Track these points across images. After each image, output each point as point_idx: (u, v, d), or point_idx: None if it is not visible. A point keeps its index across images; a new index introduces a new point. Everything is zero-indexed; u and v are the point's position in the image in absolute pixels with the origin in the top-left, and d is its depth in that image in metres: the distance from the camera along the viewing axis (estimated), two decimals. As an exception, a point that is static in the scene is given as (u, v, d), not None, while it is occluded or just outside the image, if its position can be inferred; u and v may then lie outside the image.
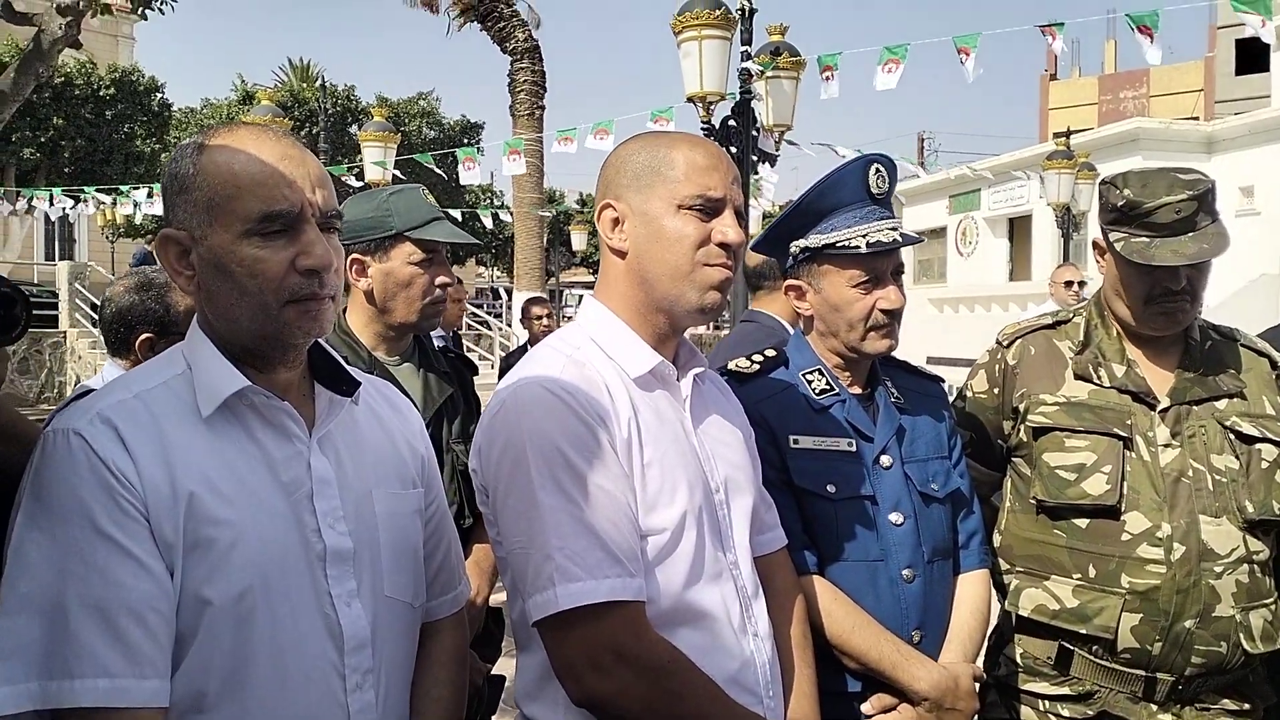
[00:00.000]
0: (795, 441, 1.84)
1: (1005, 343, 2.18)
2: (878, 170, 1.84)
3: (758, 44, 8.51)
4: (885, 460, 1.87)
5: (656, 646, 1.34)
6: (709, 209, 1.45)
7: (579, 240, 26.27)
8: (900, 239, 1.82)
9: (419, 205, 2.18)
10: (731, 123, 8.14)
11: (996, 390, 2.15)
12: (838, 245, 1.83)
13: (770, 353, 1.97)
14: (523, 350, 7.27)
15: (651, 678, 1.31)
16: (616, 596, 1.30)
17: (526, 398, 1.39)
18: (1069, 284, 6.64)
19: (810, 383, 1.90)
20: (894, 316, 1.87)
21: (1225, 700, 1.95)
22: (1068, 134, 15.43)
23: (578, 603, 1.29)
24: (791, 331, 3.72)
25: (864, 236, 1.81)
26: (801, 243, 1.87)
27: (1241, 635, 1.88)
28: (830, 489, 1.82)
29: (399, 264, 2.16)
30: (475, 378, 2.55)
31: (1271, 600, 1.93)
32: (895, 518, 1.84)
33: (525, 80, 18.14)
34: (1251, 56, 31.05)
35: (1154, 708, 1.92)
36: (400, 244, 2.13)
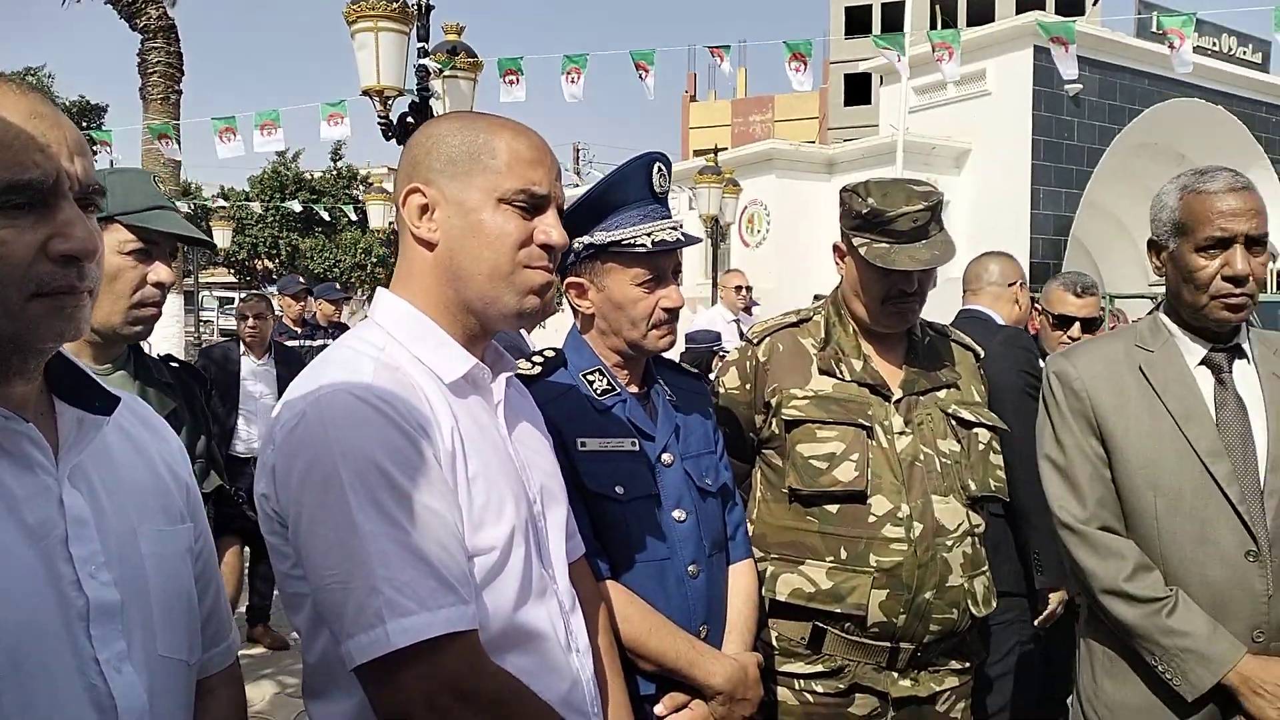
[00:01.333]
0: (583, 444, 1.78)
1: (755, 340, 2.27)
2: (660, 169, 1.84)
3: (435, 42, 8.33)
4: (666, 458, 1.87)
5: (496, 678, 1.22)
6: (531, 205, 1.35)
7: (221, 238, 24.15)
8: (682, 238, 1.83)
9: (140, 189, 1.85)
10: (410, 120, 7.88)
11: (748, 385, 2.23)
12: (623, 243, 1.80)
13: (549, 353, 1.89)
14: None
15: (493, 713, 1.20)
16: (454, 628, 1.17)
17: (335, 408, 1.21)
18: (739, 289, 7.17)
19: (591, 383, 1.86)
20: (674, 315, 1.87)
21: (952, 661, 2.17)
22: (715, 151, 16.70)
23: (413, 639, 1.14)
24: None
25: (648, 235, 1.80)
26: (585, 239, 1.82)
27: (969, 601, 2.10)
28: (619, 490, 1.78)
29: (107, 252, 1.81)
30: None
31: (985, 568, 2.18)
32: (678, 515, 1.85)
33: (159, 62, 16.33)
34: (858, 90, 35.55)
35: (895, 675, 2.09)
36: (110, 228, 1.79)
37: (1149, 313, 2.19)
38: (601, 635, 1.60)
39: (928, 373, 2.22)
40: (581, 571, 1.63)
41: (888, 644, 2.08)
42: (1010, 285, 3.36)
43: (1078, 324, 3.50)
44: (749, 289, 7.11)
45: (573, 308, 1.92)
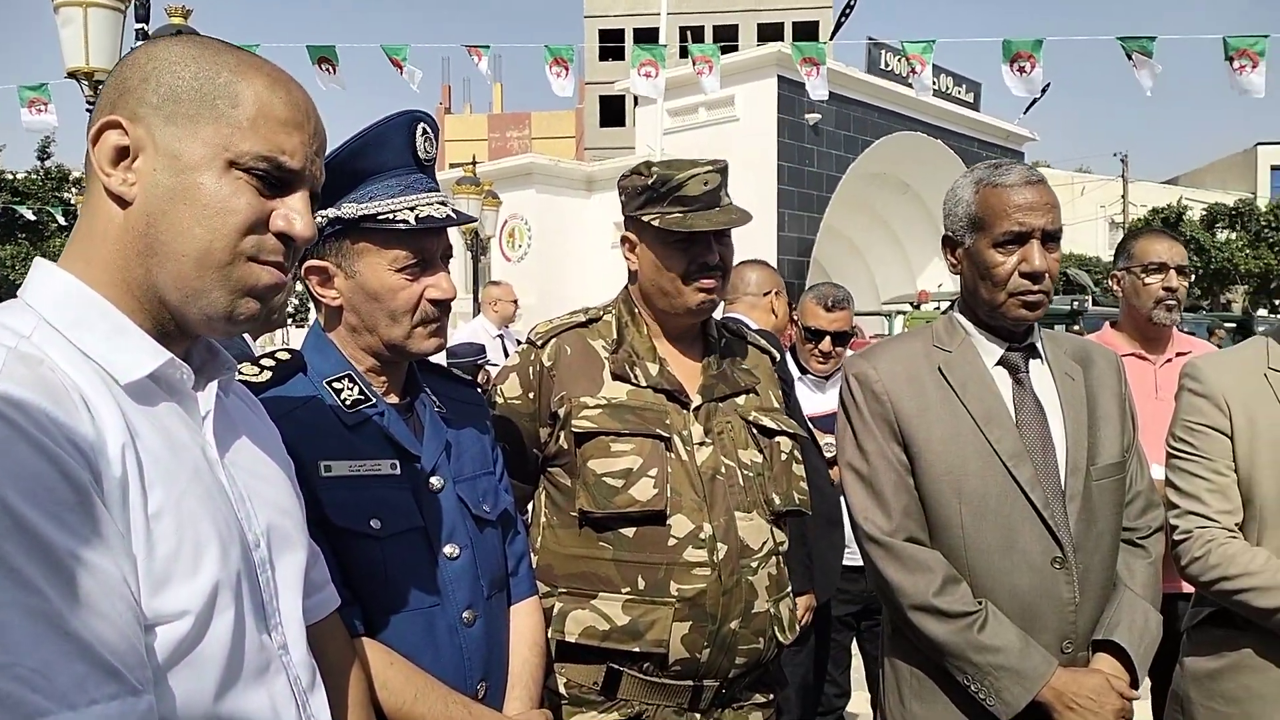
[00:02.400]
0: (327, 468, 1.43)
1: (539, 342, 1.99)
2: (425, 131, 1.52)
3: (157, 24, 7.46)
4: (436, 482, 1.54)
5: None
6: (275, 180, 1.00)
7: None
8: (453, 215, 1.52)
9: None
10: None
11: (532, 394, 1.95)
12: (379, 218, 1.46)
13: (283, 355, 1.51)
14: None
15: None
16: None
17: None
18: (515, 302, 6.88)
19: (338, 392, 1.50)
20: (444, 309, 1.55)
21: (756, 694, 1.97)
22: (473, 163, 16.28)
23: None
24: None
25: (411, 210, 1.47)
26: (330, 212, 1.47)
27: (775, 628, 1.91)
28: (375, 525, 1.44)
29: None
30: None
31: (789, 589, 2.00)
32: (451, 550, 1.53)
33: None
34: (613, 112, 36.19)
35: (698, 717, 1.87)
36: None
37: (943, 313, 2.11)
38: (353, 712, 1.26)
39: (727, 377, 2.02)
40: (330, 631, 1.28)
41: (690, 682, 1.85)
42: (766, 294, 3.31)
43: (828, 338, 3.49)
44: (516, 302, 6.82)
45: (314, 299, 1.55)
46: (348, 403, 1.50)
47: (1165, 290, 2.90)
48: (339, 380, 1.51)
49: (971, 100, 24.99)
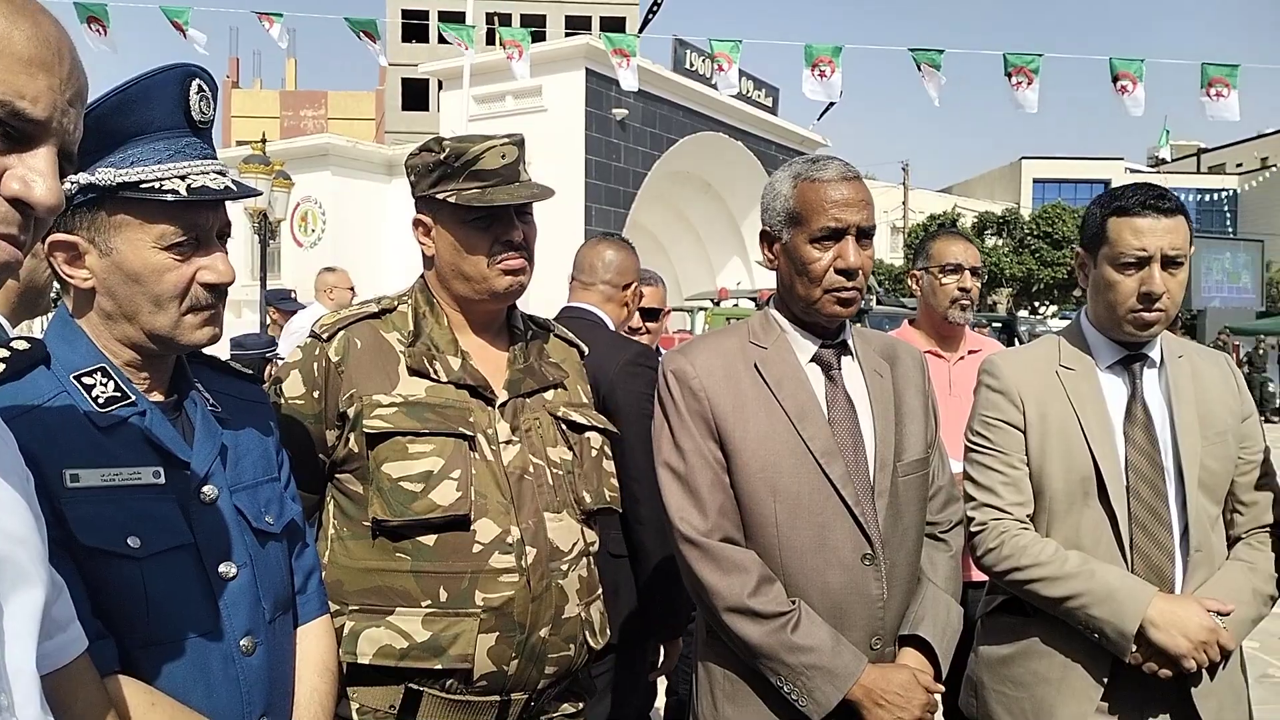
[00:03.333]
0: (73, 478, 1.22)
1: (325, 335, 1.81)
2: (200, 89, 1.32)
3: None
4: (209, 492, 1.35)
5: None
6: (12, 133, 0.82)
7: None
8: (232, 187, 1.33)
9: None
10: None
11: (317, 393, 1.77)
12: (143, 187, 1.26)
13: (20, 344, 1.28)
14: None
15: None
16: None
17: None
18: (352, 289, 6.44)
19: (89, 388, 1.29)
20: (220, 295, 1.37)
21: (565, 705, 1.88)
22: (263, 140, 15.34)
23: None
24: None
25: (183, 179, 1.28)
26: (82, 177, 1.25)
27: (586, 632, 1.83)
28: (133, 543, 1.24)
29: None
30: None
31: (599, 591, 1.93)
32: (227, 569, 1.34)
33: None
34: (415, 95, 35.15)
35: None
36: None
37: (759, 309, 2.10)
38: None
39: (534, 371, 1.92)
40: (78, 677, 1.08)
41: (497, 697, 1.73)
42: (627, 287, 2.85)
43: (638, 313, 3.45)
44: (353, 289, 6.36)
45: (60, 280, 1.33)
46: (100, 401, 1.28)
47: (960, 290, 3.03)
48: (90, 375, 1.30)
49: (770, 105, 25.97)
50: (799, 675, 1.72)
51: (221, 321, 1.38)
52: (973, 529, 2.06)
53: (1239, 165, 54.88)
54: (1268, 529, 2.05)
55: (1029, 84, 7.95)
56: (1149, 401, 2.05)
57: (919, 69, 8.15)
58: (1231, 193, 48.22)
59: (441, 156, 1.79)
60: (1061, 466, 2.03)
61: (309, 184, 19.61)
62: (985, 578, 2.16)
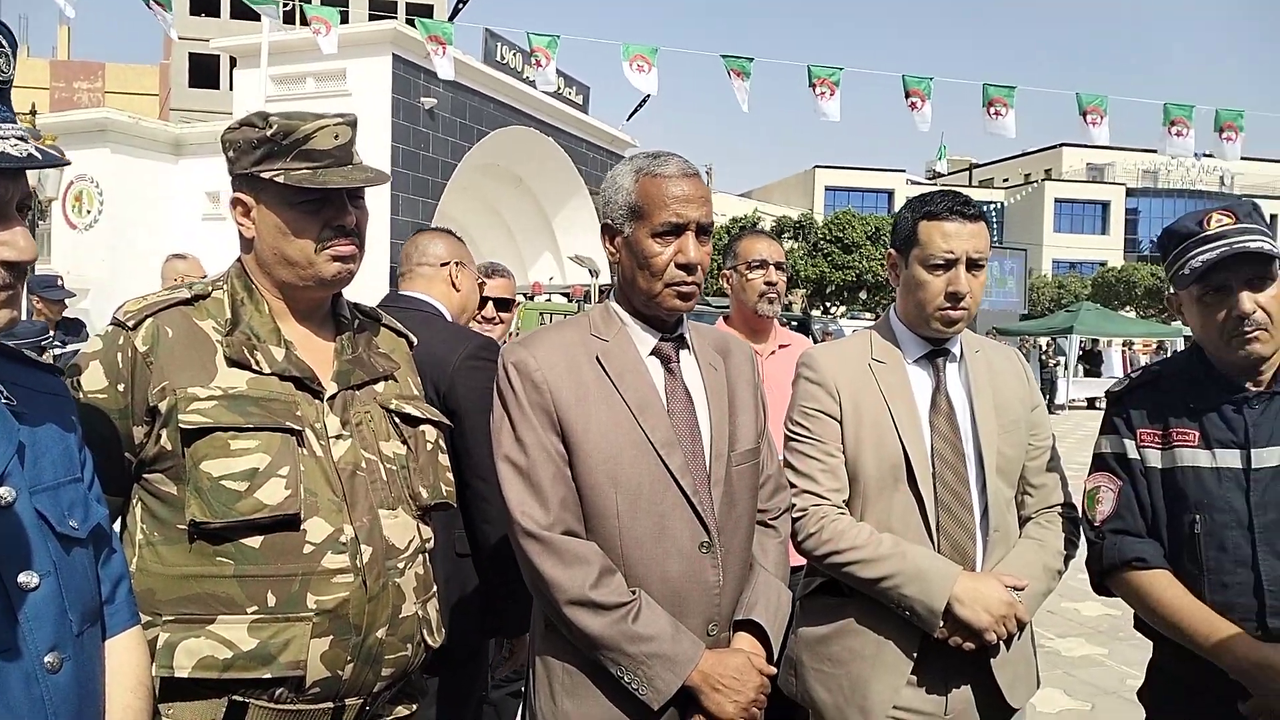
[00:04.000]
0: None
1: (130, 323, 1.66)
2: (-5, 42, 1.18)
3: None
4: (6, 493, 1.22)
5: None
6: None
7: None
8: (37, 155, 1.19)
9: None
10: None
11: (122, 387, 1.63)
12: None
13: None
14: None
15: None
16: None
17: None
18: (204, 278, 5.91)
19: None
20: (18, 274, 1.23)
21: (399, 708, 1.82)
22: (32, 112, 13.97)
23: None
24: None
25: None
26: None
27: (424, 631, 1.78)
28: None
29: None
30: None
31: (435, 588, 1.88)
32: (28, 579, 1.21)
33: None
34: (205, 72, 32.95)
35: None
36: None
37: (600, 302, 2.10)
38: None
39: (363, 362, 1.84)
40: None
41: (330, 704, 1.65)
42: (445, 265, 2.78)
43: (491, 303, 3.47)
44: (205, 278, 5.79)
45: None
46: None
47: (766, 284, 3.17)
48: None
49: (581, 102, 26.11)
50: (639, 664, 1.73)
51: (20, 304, 1.25)
52: (794, 515, 2.15)
53: (1005, 180, 60.14)
54: (1055, 509, 2.25)
55: (831, 95, 8.39)
56: (951, 393, 2.21)
57: (730, 75, 8.42)
58: (999, 205, 52.69)
59: (268, 133, 1.68)
60: (874, 454, 2.15)
61: (85, 161, 18.01)
62: (803, 561, 2.26)
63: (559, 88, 24.15)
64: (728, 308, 3.36)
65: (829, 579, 2.21)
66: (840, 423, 2.19)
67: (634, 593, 1.77)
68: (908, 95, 8.82)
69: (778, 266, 3.21)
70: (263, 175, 1.69)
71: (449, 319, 2.70)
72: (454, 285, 2.79)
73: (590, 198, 24.83)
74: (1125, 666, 5.16)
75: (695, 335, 2.00)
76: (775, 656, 1.90)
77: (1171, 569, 1.99)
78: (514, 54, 22.66)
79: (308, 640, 1.59)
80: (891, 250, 2.29)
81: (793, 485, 2.16)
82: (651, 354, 1.90)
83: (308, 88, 19.74)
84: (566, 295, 16.73)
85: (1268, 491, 1.90)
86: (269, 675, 1.58)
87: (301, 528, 1.62)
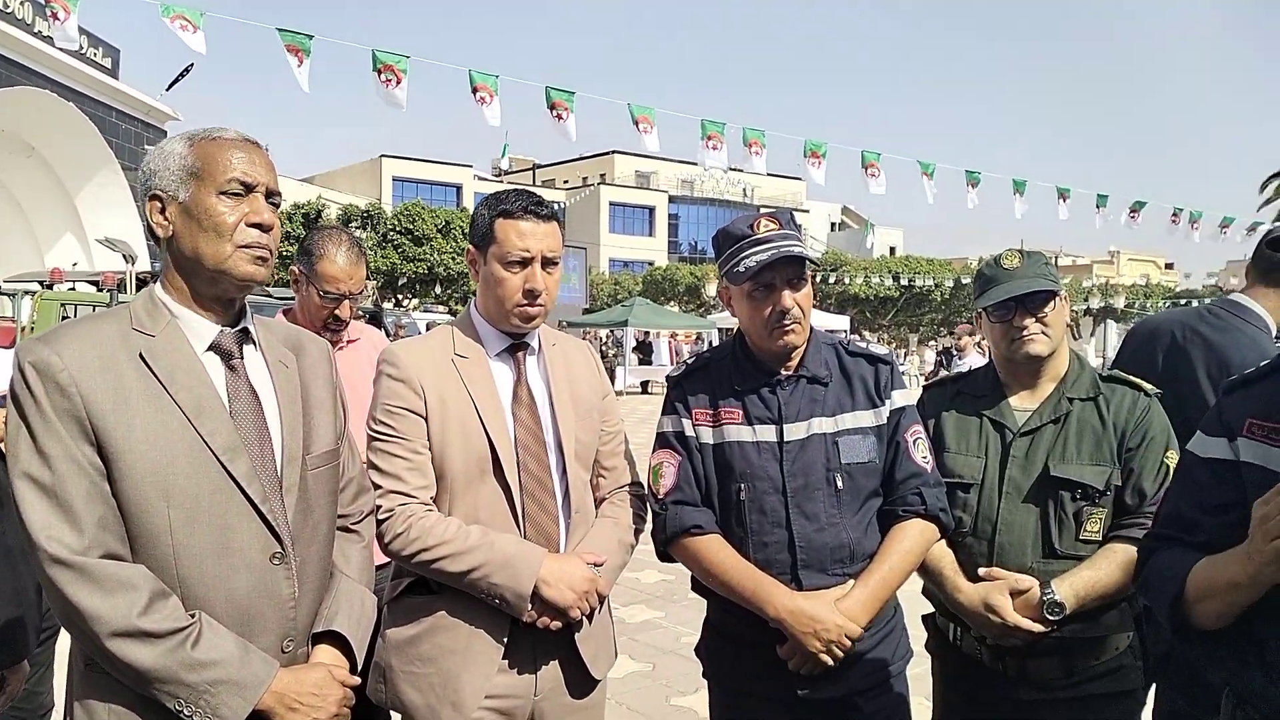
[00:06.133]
0: None
1: None
2: None
3: None
4: None
5: None
6: None
7: None
8: None
9: None
10: None
11: None
12: None
13: None
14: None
15: None
16: None
17: None
18: None
19: None
20: None
21: None
22: None
23: None
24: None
25: None
26: None
27: None
28: None
29: None
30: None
31: None
32: None
33: None
34: None
35: None
36: None
37: (144, 288, 1.84)
38: None
39: None
40: None
41: None
42: None
43: None
44: None
45: None
46: None
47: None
48: None
49: (109, 66, 23.07)
50: (202, 695, 1.56)
51: None
52: (380, 516, 2.07)
53: (566, 181, 63.72)
54: (626, 488, 2.41)
55: (397, 83, 8.24)
56: (532, 385, 2.27)
57: (287, 52, 7.92)
58: (561, 205, 55.70)
59: None
60: (461, 448, 2.15)
61: None
62: (389, 561, 2.20)
63: (82, 46, 21.12)
64: (292, 299, 3.15)
65: (418, 578, 2.16)
66: (426, 419, 2.15)
67: (193, 616, 1.59)
68: (475, 90, 8.94)
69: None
70: None
71: None
72: None
73: (123, 174, 22.06)
74: (681, 626, 5.71)
75: (263, 330, 1.84)
76: (360, 666, 1.81)
77: (722, 533, 2.22)
78: (23, 4, 19.44)
79: None
80: (471, 246, 2.29)
81: (378, 486, 2.09)
82: (210, 350, 1.71)
83: None
84: (95, 284, 14.63)
85: (796, 460, 2.19)
86: None
87: None
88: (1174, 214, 16.82)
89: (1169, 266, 68.26)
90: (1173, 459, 2.25)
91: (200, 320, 1.72)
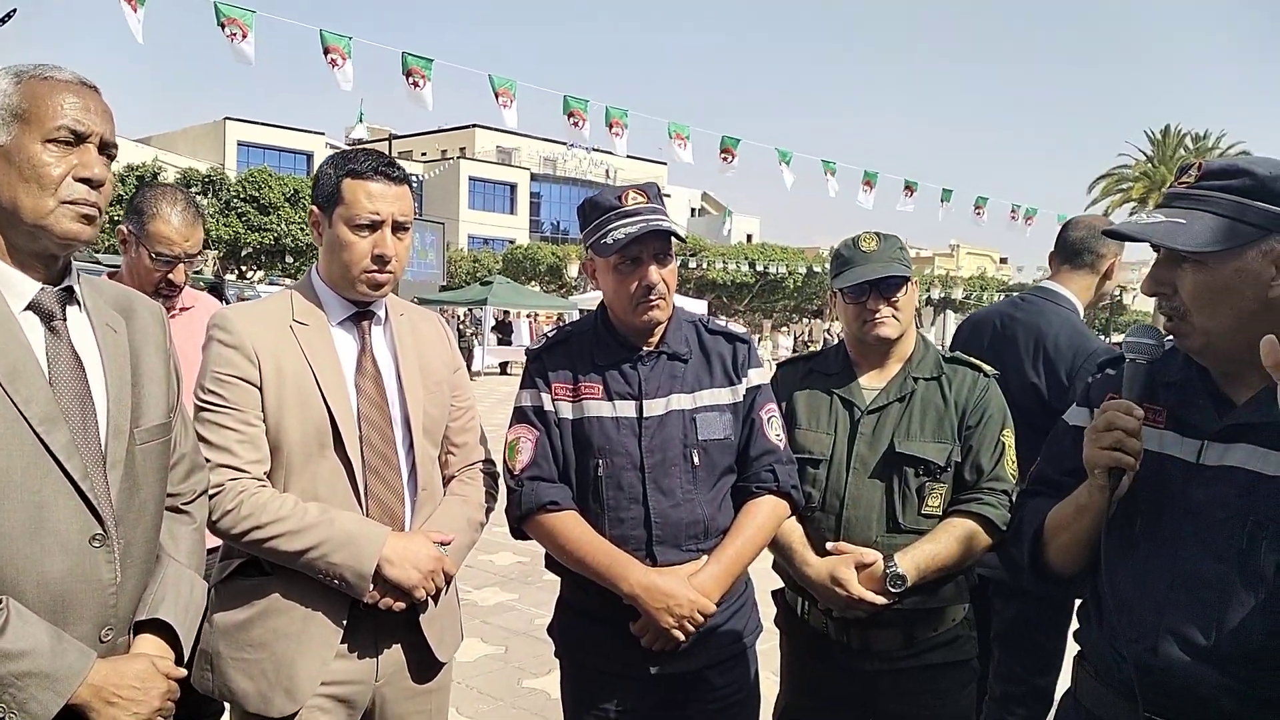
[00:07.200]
0: None
1: None
2: None
3: None
4: None
5: None
6: None
7: None
8: None
9: None
10: None
11: None
12: None
13: None
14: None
15: None
16: None
17: None
18: None
19: None
20: None
21: None
22: None
23: None
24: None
25: None
26: None
27: None
28: None
29: None
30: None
31: None
32: None
33: None
34: None
35: None
36: None
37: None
38: None
39: None
40: None
41: None
42: None
43: None
44: None
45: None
46: None
47: (158, 255, 2.83)
48: None
49: (-82, 5, 20.98)
50: (8, 688, 1.41)
51: None
52: (209, 491, 1.93)
53: (424, 154, 62.10)
54: (476, 465, 2.33)
55: (244, 37, 7.79)
56: (378, 355, 2.16)
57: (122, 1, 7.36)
58: (419, 178, 54.31)
59: None
60: (298, 420, 2.02)
61: None
62: (220, 543, 2.06)
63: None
64: (118, 267, 2.92)
65: (249, 559, 2.03)
66: (260, 389, 2.02)
67: None
68: (327, 52, 8.55)
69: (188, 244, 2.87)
70: None
71: None
72: None
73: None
74: (535, 609, 5.66)
75: (89, 290, 1.67)
76: (187, 656, 1.68)
77: (578, 509, 2.18)
78: None
79: None
80: (314, 207, 2.16)
81: (206, 460, 1.94)
82: (27, 309, 1.54)
83: None
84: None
85: (655, 436, 2.17)
86: None
87: None
88: (1012, 210, 17.82)
89: (1004, 261, 72.61)
90: (1009, 437, 2.35)
91: (17, 275, 1.54)
